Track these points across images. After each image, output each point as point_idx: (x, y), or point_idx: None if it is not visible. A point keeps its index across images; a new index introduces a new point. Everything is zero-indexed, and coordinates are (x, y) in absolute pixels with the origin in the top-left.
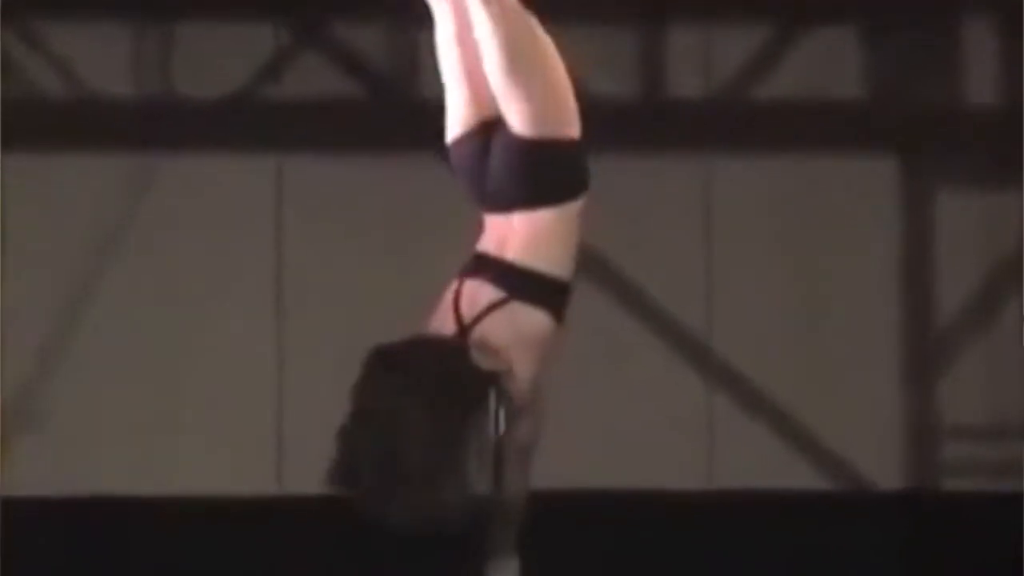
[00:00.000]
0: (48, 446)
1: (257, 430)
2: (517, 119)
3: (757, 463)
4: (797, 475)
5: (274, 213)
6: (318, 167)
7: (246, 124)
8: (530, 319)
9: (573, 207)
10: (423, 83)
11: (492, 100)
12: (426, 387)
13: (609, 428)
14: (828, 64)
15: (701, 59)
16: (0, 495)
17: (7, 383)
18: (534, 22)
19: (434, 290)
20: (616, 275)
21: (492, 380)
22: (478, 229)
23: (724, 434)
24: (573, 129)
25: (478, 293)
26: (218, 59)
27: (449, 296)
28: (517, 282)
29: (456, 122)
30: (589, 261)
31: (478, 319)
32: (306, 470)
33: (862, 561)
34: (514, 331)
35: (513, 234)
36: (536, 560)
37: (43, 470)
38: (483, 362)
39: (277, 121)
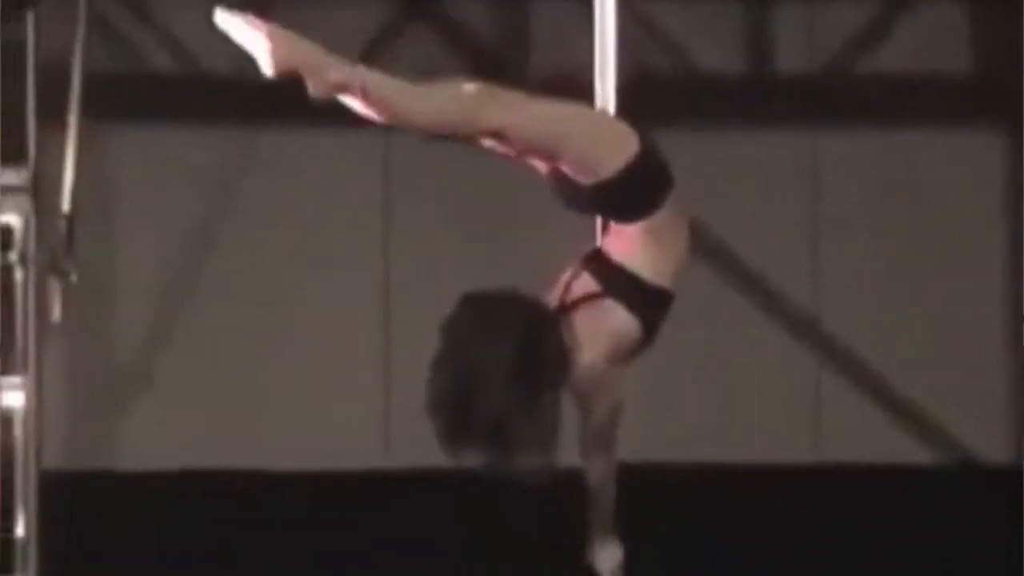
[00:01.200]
0: (155, 419)
1: (364, 403)
2: (570, 172)
3: (864, 436)
4: (904, 449)
5: (381, 188)
6: (426, 144)
7: None
8: (617, 318)
9: (662, 215)
10: (533, 59)
11: None
12: (507, 342)
13: (716, 401)
14: (935, 37)
15: (807, 33)
16: (107, 468)
17: (116, 357)
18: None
19: (539, 267)
20: (722, 249)
21: (567, 357)
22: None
23: (831, 407)
24: (624, 154)
25: (583, 282)
26: (326, 36)
27: (563, 278)
28: (615, 280)
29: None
30: (695, 235)
31: (574, 304)
32: (412, 443)
33: (969, 535)
34: (599, 324)
35: (618, 236)
36: (642, 534)
37: (150, 443)
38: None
39: None
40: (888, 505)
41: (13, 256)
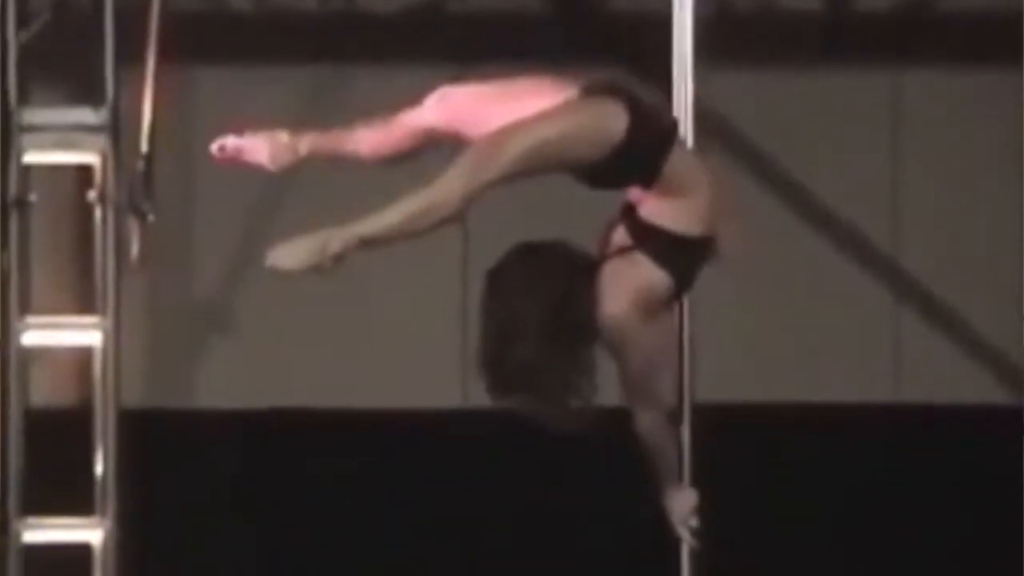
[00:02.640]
0: (234, 358)
1: (443, 342)
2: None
3: (945, 375)
4: (985, 388)
5: None
6: (508, 80)
7: (430, 37)
8: (643, 271)
9: (678, 166)
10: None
11: None
12: (541, 292)
13: (794, 341)
14: None
15: None
16: (186, 406)
17: (194, 296)
18: None
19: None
20: (801, 187)
21: (595, 308)
22: None
23: (911, 346)
24: (613, 131)
25: (620, 235)
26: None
27: (607, 229)
28: (641, 234)
29: None
30: (774, 173)
31: (607, 257)
32: None
33: None
34: (625, 277)
35: (643, 192)
36: (721, 474)
37: (229, 382)
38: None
39: (462, 34)
40: (969, 445)
41: (92, 195)
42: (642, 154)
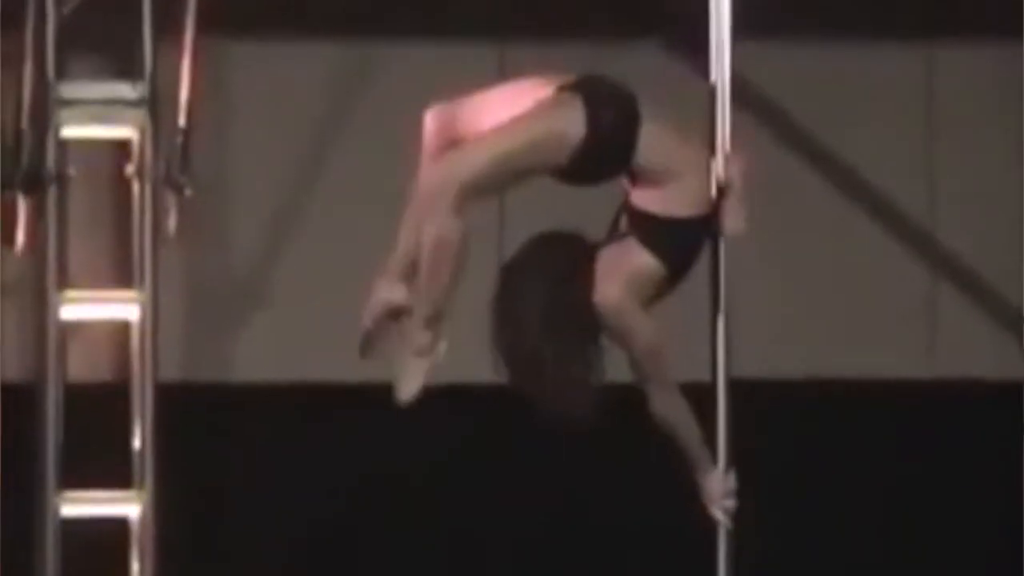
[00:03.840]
0: (271, 332)
1: (477, 319)
2: None
3: (980, 351)
4: (1020, 365)
5: None
6: (540, 54)
7: (467, 7)
8: (635, 257)
9: (652, 153)
10: None
11: None
12: (545, 282)
13: (829, 315)
14: None
15: None
16: (224, 380)
17: (232, 270)
18: None
19: None
20: (837, 160)
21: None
22: None
23: (947, 321)
24: (570, 135)
25: (621, 222)
26: None
27: (615, 216)
28: (633, 221)
29: None
30: (809, 147)
31: (604, 243)
32: None
33: None
34: (617, 263)
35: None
36: (755, 450)
37: (268, 356)
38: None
39: (498, 8)
40: (1003, 421)
41: (130, 169)
42: (605, 151)
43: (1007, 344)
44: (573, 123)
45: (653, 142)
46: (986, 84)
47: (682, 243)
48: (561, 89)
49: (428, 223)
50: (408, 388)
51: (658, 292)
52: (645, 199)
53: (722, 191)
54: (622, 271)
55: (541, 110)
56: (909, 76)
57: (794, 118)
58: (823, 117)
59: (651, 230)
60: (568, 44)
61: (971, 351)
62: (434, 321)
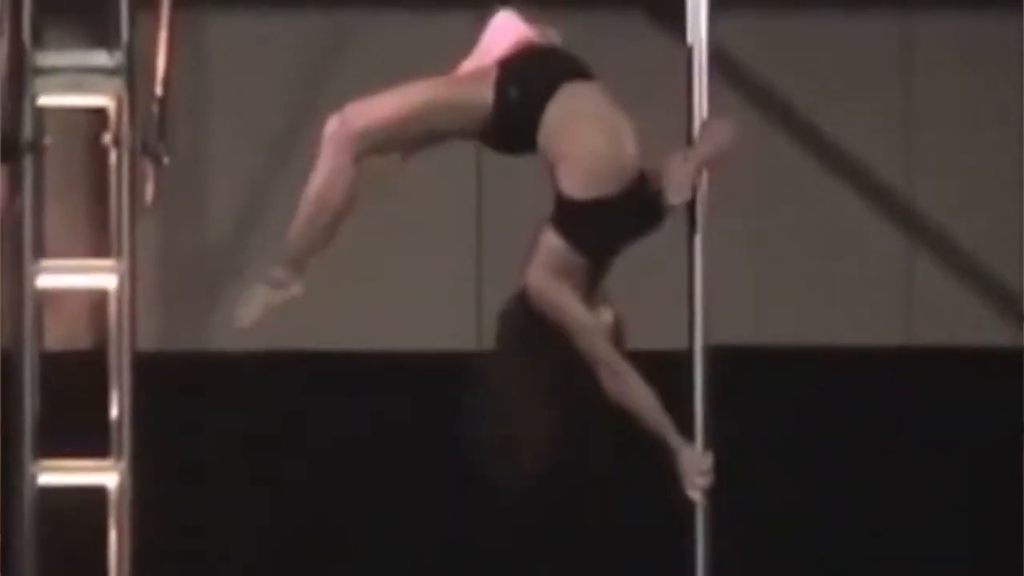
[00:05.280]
0: None
1: (457, 288)
2: None
3: (957, 318)
4: (999, 330)
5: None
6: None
7: None
8: (547, 239)
9: (550, 135)
10: None
11: None
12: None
13: (806, 283)
14: None
15: None
16: (201, 348)
17: (209, 239)
18: None
19: None
20: (815, 129)
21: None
22: None
23: (924, 288)
24: (478, 105)
25: None
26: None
27: None
28: (554, 201)
29: None
30: (786, 116)
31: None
32: None
33: None
34: (537, 245)
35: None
36: (730, 418)
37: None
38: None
39: None
40: (982, 388)
41: (107, 138)
42: (511, 126)
43: (985, 310)
44: (481, 96)
45: (552, 124)
46: (964, 55)
47: (586, 225)
48: (498, 63)
49: (317, 167)
50: (247, 314)
51: (586, 274)
52: (557, 178)
53: (682, 161)
54: (538, 252)
55: (462, 78)
56: (887, 47)
57: (772, 89)
58: (800, 86)
59: (555, 210)
60: (548, 12)
61: (948, 319)
62: (295, 264)
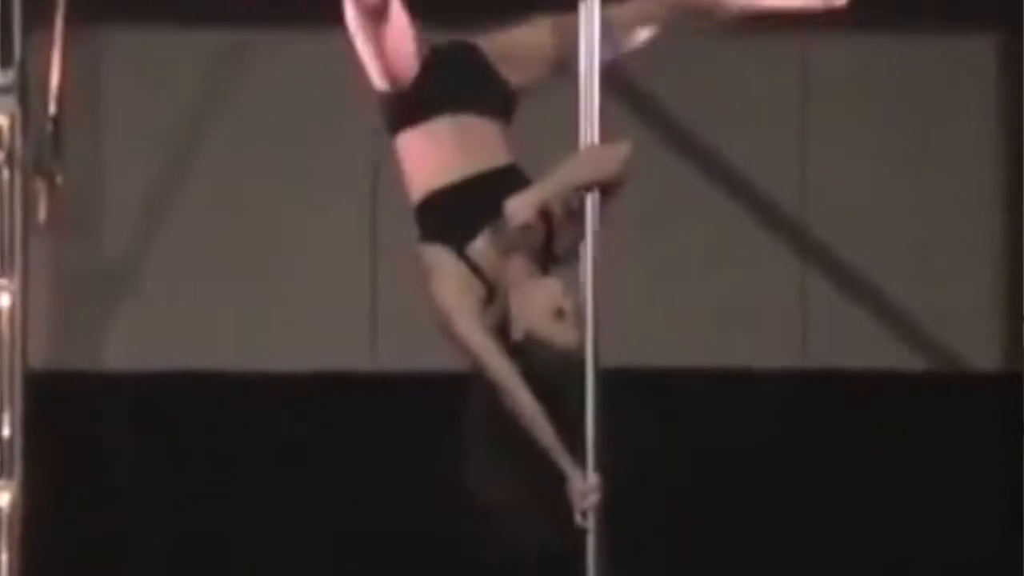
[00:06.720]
0: (141, 320)
1: (351, 306)
2: None
3: (851, 341)
4: (892, 354)
5: (373, 94)
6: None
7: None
8: (422, 261)
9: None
10: None
11: None
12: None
13: (702, 305)
14: None
15: None
16: (93, 368)
17: (103, 258)
18: None
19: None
20: (710, 154)
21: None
22: None
23: (818, 311)
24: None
25: None
26: None
27: None
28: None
29: None
30: (684, 141)
31: None
32: (399, 346)
33: (957, 442)
34: (421, 276)
35: None
36: (627, 439)
37: (138, 345)
38: None
39: None
40: (875, 412)
41: (0, 156)
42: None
43: (878, 333)
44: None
45: (421, 129)
46: (857, 79)
47: (424, 220)
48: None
49: None
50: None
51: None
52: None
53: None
54: (422, 276)
55: None
56: (783, 71)
57: (667, 109)
58: (697, 109)
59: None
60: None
61: (842, 341)
62: None
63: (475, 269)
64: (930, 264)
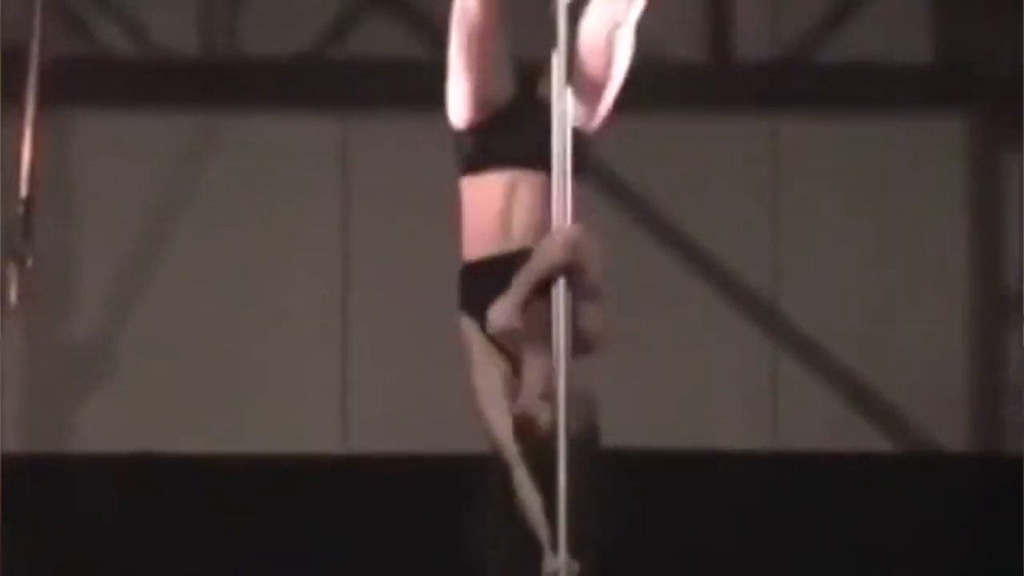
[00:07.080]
0: (113, 404)
1: (322, 390)
2: None
3: (822, 424)
4: (863, 436)
5: (341, 174)
6: (384, 128)
7: (312, 84)
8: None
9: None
10: None
11: None
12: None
13: (672, 387)
14: (897, 24)
15: (769, 20)
16: (65, 451)
17: (74, 341)
18: None
19: None
20: (682, 235)
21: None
22: None
23: (789, 394)
24: None
25: None
26: (284, 19)
27: None
28: None
29: None
30: (656, 222)
31: None
32: (370, 429)
33: (928, 523)
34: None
35: None
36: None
37: (108, 427)
38: None
39: (343, 81)
40: (846, 493)
41: None
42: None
43: (850, 416)
44: None
45: None
46: (829, 159)
47: (464, 294)
48: None
49: None
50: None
51: (502, 346)
52: None
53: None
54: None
55: None
56: (755, 151)
57: (640, 190)
58: (670, 189)
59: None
60: (413, 117)
61: (813, 423)
62: None
63: (499, 345)
64: (900, 346)
